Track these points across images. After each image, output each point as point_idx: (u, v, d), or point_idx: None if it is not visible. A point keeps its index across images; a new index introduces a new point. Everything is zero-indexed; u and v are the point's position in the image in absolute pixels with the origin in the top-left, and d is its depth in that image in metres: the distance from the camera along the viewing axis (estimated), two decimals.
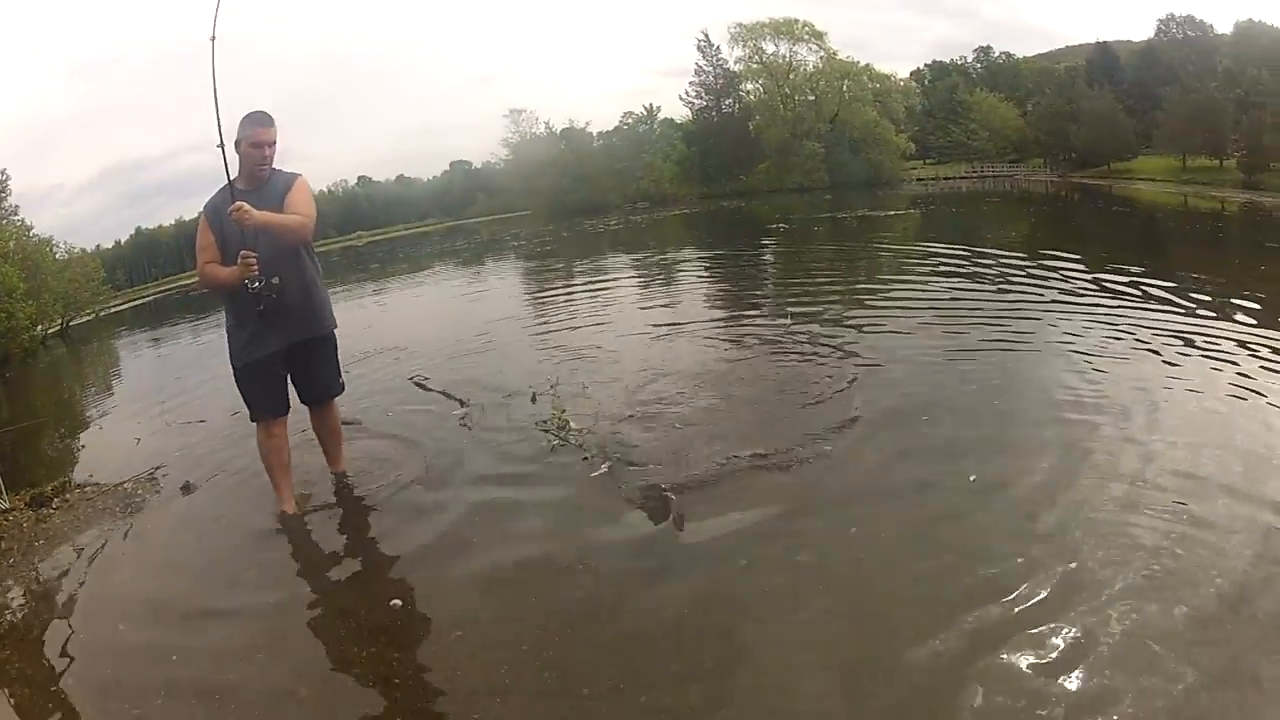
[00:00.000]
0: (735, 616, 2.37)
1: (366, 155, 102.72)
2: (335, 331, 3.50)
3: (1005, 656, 1.98)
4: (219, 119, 3.03)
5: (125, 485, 4.50)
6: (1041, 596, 2.23)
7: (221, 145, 3.07)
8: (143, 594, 3.08)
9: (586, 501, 3.26)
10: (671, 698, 2.04)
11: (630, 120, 48.33)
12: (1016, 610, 2.17)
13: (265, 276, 3.07)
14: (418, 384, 5.63)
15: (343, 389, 3.61)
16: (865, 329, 5.87)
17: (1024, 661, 1.96)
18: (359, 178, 60.83)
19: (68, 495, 4.52)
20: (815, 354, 5.17)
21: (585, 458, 3.69)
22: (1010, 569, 2.38)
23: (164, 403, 6.98)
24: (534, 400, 4.71)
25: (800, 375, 4.73)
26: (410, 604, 2.69)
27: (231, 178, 3.13)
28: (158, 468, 4.71)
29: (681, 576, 2.63)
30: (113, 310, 30.21)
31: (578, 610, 2.51)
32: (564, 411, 4.25)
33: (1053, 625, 2.09)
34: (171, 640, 2.65)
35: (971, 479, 3.06)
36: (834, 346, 5.31)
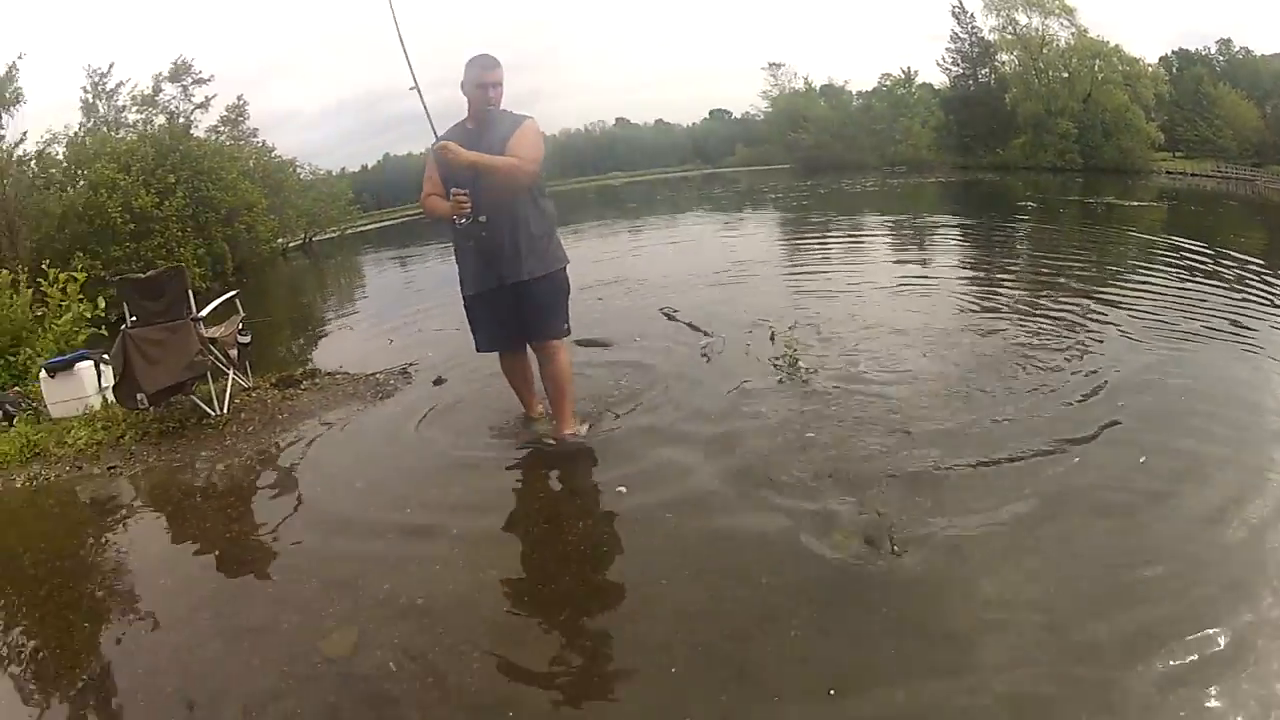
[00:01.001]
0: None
1: (626, 96, 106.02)
2: (564, 272, 3.40)
3: None
4: (409, 62, 3.22)
5: (378, 375, 4.98)
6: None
7: (415, 86, 3.21)
8: (361, 478, 3.49)
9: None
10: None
11: (888, 83, 46.41)
12: None
13: (474, 215, 3.14)
14: (667, 315, 6.01)
15: (565, 333, 3.45)
16: (1115, 314, 5.32)
17: None
18: (617, 119, 61.82)
19: (317, 380, 5.04)
20: (1059, 331, 4.83)
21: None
22: None
23: (418, 310, 7.66)
24: (772, 339, 4.90)
25: (1042, 351, 4.42)
26: (614, 536, 2.76)
27: (460, 119, 3.26)
28: (411, 363, 5.20)
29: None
30: (359, 229, 30.89)
31: (791, 588, 2.33)
32: (795, 350, 4.45)
33: None
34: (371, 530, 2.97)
35: None
36: (1079, 324, 4.93)
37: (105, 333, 6.53)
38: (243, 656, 2.26)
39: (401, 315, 7.76)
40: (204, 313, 4.78)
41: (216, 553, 3.01)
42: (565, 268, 3.40)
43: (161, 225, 13.60)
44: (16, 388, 6.47)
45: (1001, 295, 6.30)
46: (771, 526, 2.63)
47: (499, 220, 3.17)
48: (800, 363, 4.28)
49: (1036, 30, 39.91)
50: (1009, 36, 40.60)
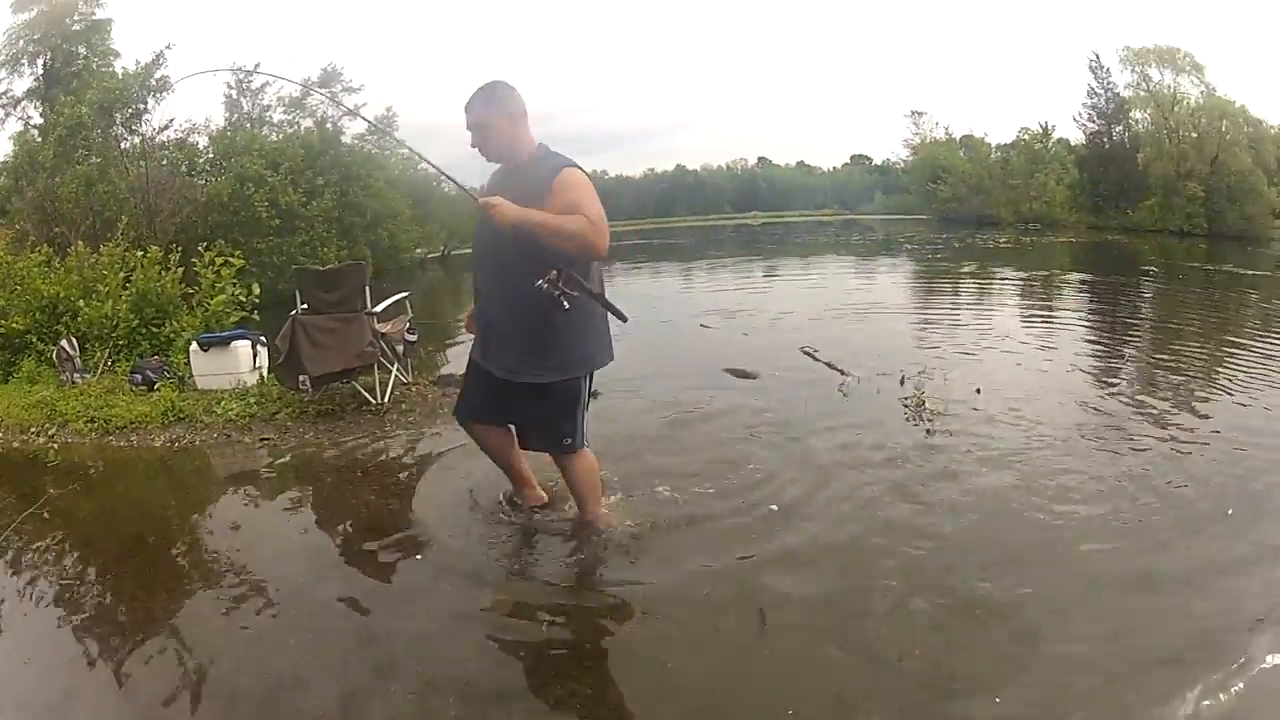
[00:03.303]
0: None
1: (768, 134, 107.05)
2: (571, 383, 2.59)
3: None
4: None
5: None
6: None
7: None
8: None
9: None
10: None
11: (1026, 136, 45.38)
12: None
13: (475, 267, 2.64)
14: (807, 353, 6.11)
15: (568, 449, 2.68)
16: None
17: None
18: (759, 158, 60.86)
19: None
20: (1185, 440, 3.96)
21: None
22: None
23: None
24: (902, 382, 5.03)
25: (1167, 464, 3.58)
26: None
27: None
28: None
29: None
30: None
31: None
32: (924, 393, 4.71)
33: None
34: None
35: None
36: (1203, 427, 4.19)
37: (257, 318, 6.95)
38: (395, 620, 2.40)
39: None
40: (379, 308, 5.03)
41: (371, 524, 3.20)
42: (576, 378, 2.59)
43: (306, 224, 14.24)
44: (157, 357, 6.96)
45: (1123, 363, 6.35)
46: None
47: (491, 292, 2.57)
48: (926, 403, 4.47)
49: (1168, 88, 38.41)
50: (1142, 93, 39.19)
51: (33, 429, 6.18)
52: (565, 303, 2.29)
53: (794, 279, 14.64)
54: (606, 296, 2.48)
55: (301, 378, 4.66)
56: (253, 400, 5.11)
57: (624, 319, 2.47)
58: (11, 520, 3.45)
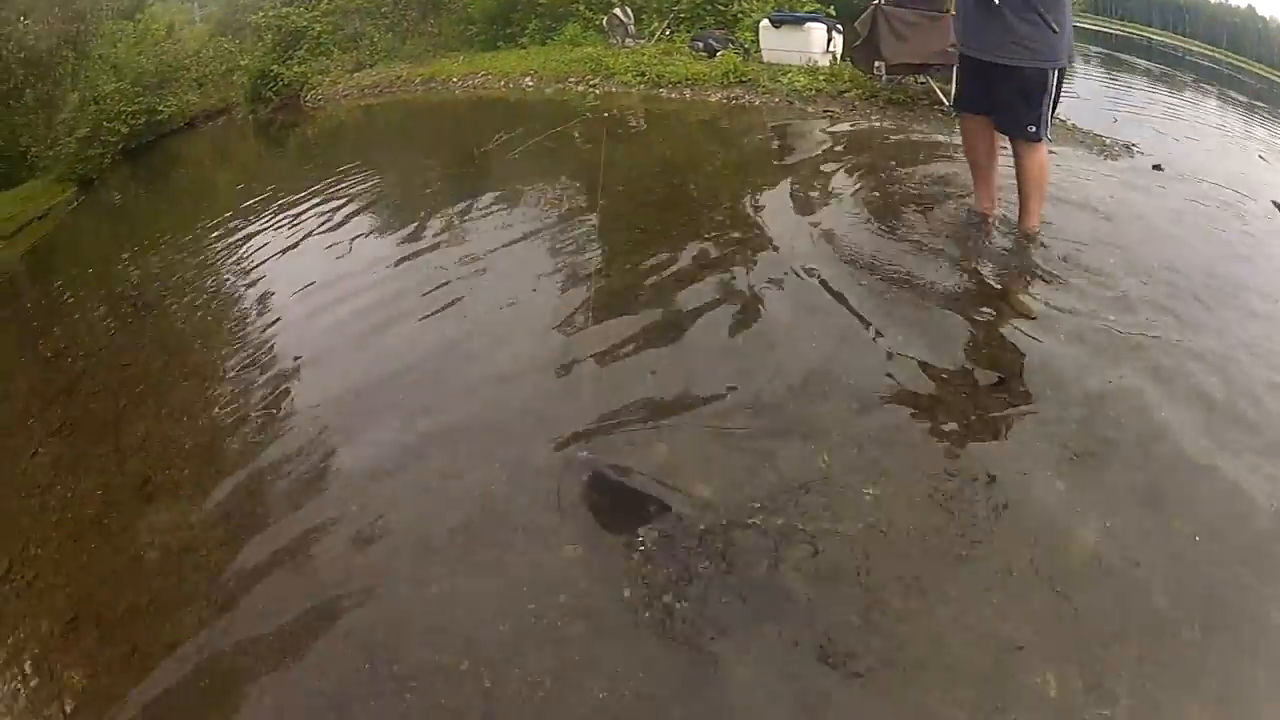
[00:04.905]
0: None
1: None
2: (1043, 72, 2.70)
3: None
4: None
5: (1104, 138, 4.68)
6: None
7: None
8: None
9: None
10: None
11: None
12: None
13: None
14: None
15: (1032, 136, 2.80)
16: None
17: None
18: None
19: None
20: None
21: None
22: None
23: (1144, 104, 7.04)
24: None
25: None
26: None
27: None
28: (1134, 144, 4.65)
29: None
30: None
31: None
32: None
33: None
34: None
35: None
36: None
37: (833, 12, 6.98)
38: None
39: (1126, 108, 6.89)
40: None
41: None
42: (1050, 68, 2.69)
43: None
44: (722, 29, 7.43)
45: None
46: None
47: None
48: None
49: None
50: None
51: (571, 79, 7.16)
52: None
53: None
54: None
55: (877, 64, 4.70)
56: (822, 77, 5.35)
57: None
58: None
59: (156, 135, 9.88)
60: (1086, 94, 7.46)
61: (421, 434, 2.03)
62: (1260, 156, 6.34)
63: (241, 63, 10.68)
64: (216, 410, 2.46)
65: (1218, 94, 13.01)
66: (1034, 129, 2.77)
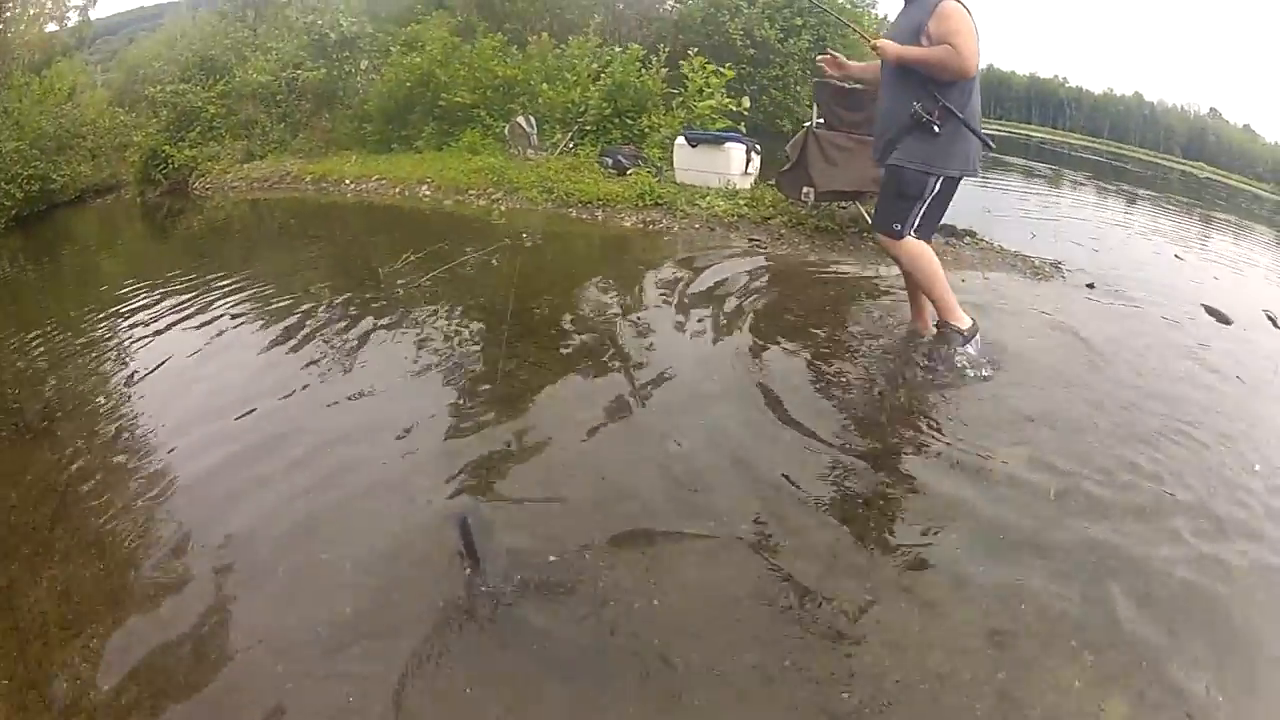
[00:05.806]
0: None
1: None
2: (906, 171, 2.95)
3: None
4: None
5: (1033, 259, 4.69)
6: None
7: None
8: None
9: None
10: None
11: None
12: None
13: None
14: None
15: (890, 232, 3.05)
16: None
17: None
18: (1210, 109, 53.78)
19: (978, 241, 4.96)
20: None
21: None
22: None
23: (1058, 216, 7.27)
24: None
25: None
26: None
27: None
28: (1060, 261, 4.74)
29: None
30: None
31: None
32: None
33: None
34: None
35: None
36: None
37: (743, 129, 6.95)
38: None
39: (1041, 217, 7.26)
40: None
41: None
42: (910, 168, 2.93)
43: (781, 60, 13.29)
44: (631, 145, 7.32)
45: None
46: None
47: (885, 107, 3.02)
48: None
49: None
50: None
51: (472, 191, 6.87)
52: (935, 127, 2.80)
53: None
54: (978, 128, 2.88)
55: (806, 190, 4.57)
56: (743, 202, 5.17)
57: (990, 146, 2.91)
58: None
59: (49, 205, 9.51)
60: (1000, 209, 7.74)
61: None
62: (1176, 256, 6.56)
63: (135, 138, 10.51)
64: None
65: (1113, 188, 14.05)
66: (895, 225, 3.04)
